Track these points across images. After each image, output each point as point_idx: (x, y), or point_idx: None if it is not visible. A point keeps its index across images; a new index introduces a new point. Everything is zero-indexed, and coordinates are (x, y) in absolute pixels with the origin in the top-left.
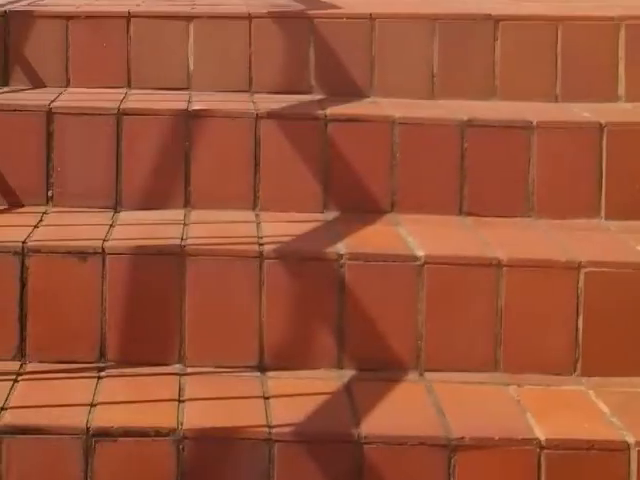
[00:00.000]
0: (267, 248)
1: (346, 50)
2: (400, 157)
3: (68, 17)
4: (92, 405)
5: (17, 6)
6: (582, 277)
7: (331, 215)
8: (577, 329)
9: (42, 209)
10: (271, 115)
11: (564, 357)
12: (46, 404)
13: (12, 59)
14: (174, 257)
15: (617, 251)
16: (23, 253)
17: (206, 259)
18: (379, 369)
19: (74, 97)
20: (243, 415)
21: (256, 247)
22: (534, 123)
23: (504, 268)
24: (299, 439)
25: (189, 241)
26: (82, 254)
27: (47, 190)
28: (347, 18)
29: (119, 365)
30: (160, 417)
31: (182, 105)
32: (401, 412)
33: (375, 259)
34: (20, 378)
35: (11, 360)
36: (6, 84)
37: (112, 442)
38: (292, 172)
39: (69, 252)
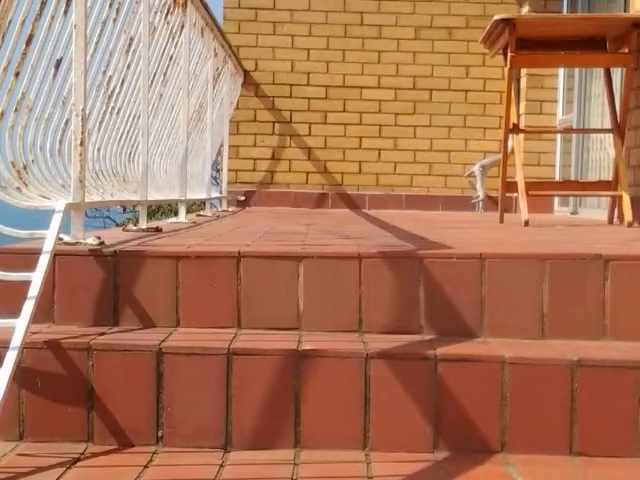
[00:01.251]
0: None
1: (456, 290)
2: (510, 397)
3: (178, 257)
4: None
5: (127, 246)
6: None
7: (441, 455)
8: None
9: (152, 449)
10: (381, 355)
11: None
12: None
13: (122, 299)
14: None
15: None
16: None
17: None
18: None
19: (184, 337)
20: None
21: None
22: None
23: None
24: None
25: None
26: None
27: (157, 430)
28: (457, 258)
29: None
30: None
31: (292, 345)
32: None
33: None
34: None
35: None
36: (117, 324)
37: None
38: (402, 412)
39: None
